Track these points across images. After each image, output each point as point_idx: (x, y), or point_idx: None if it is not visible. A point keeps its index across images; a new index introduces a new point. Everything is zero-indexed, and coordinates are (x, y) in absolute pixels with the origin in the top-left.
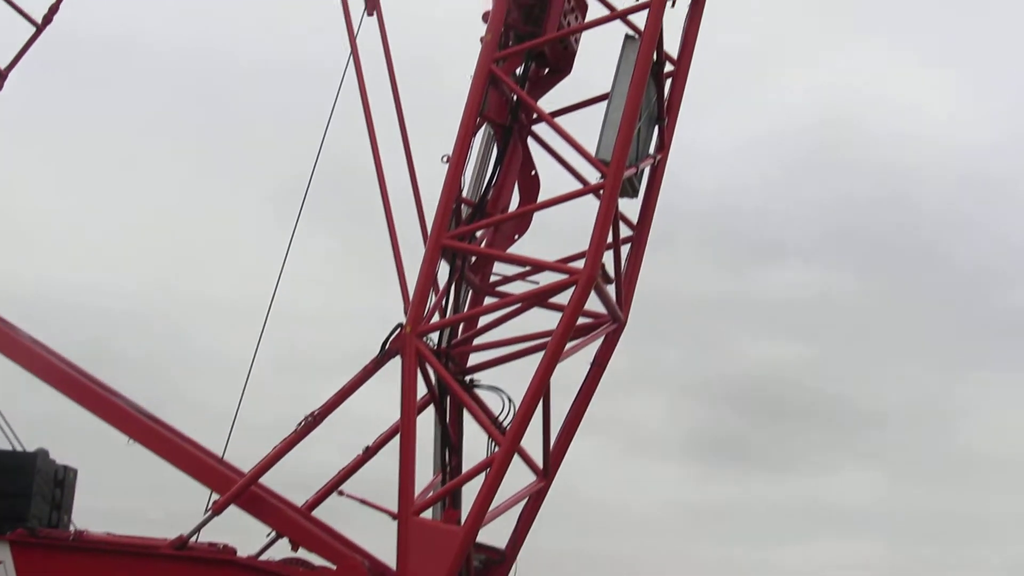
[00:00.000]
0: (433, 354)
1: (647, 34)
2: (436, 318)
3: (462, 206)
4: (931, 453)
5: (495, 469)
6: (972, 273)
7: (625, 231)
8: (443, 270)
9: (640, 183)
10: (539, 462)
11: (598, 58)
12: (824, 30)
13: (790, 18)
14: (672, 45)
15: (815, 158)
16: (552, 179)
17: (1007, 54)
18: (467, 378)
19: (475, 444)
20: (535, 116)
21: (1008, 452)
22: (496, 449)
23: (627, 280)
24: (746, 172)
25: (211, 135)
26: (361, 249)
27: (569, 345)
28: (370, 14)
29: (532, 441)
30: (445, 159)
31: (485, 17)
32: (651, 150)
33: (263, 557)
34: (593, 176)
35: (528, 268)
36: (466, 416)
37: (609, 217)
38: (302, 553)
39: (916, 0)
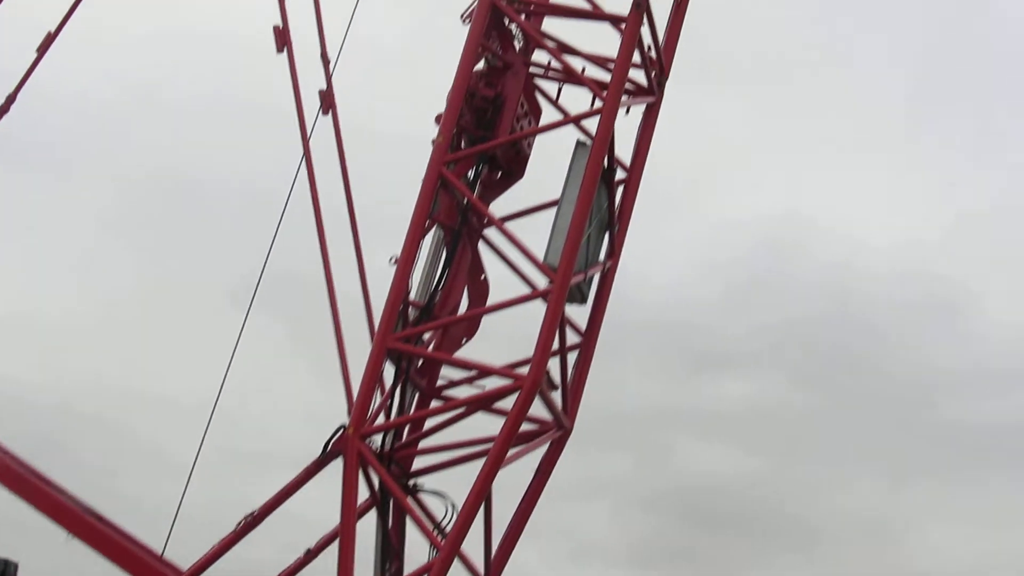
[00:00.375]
0: (376, 457)
1: (597, 140)
2: (381, 420)
3: (410, 308)
4: (873, 566)
5: (434, 574)
6: (915, 386)
7: (573, 337)
8: (391, 372)
9: (589, 290)
10: (482, 568)
11: (555, 162)
12: (773, 148)
13: (740, 134)
14: (627, 152)
15: (761, 272)
16: (504, 283)
17: (955, 185)
18: (411, 482)
19: (419, 548)
20: (486, 219)
21: (950, 568)
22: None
23: (574, 387)
24: (694, 283)
25: (165, 229)
26: (309, 347)
27: (514, 451)
28: (325, 113)
29: (476, 547)
30: (393, 260)
31: (438, 119)
32: (601, 257)
33: None
34: (544, 281)
35: (474, 372)
36: (409, 520)
37: (555, 323)
38: None
39: (862, 124)
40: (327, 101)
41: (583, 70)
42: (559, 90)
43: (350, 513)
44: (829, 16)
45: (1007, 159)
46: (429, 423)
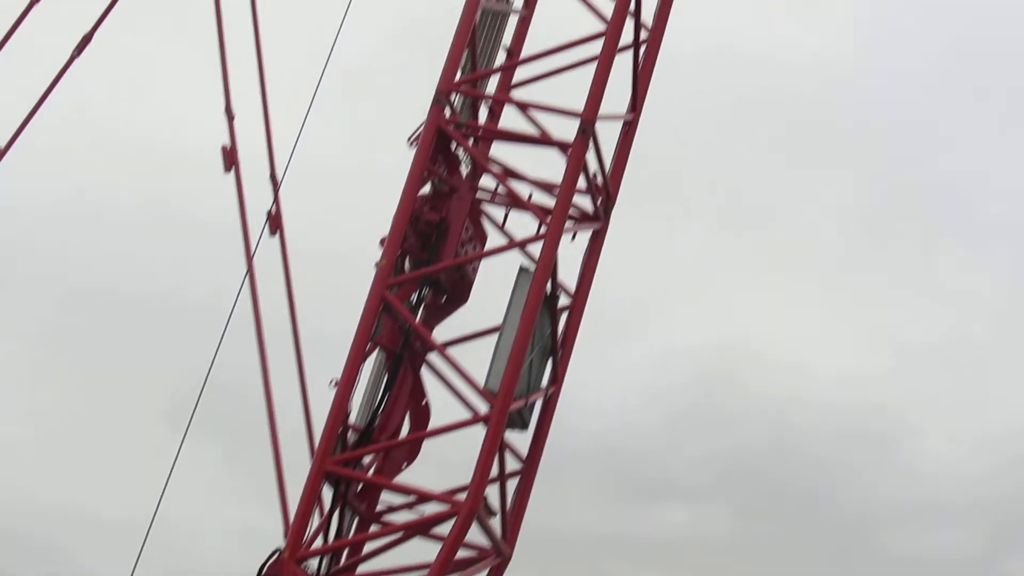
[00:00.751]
0: None
1: (539, 267)
2: (319, 543)
3: (349, 431)
4: None
5: None
6: (860, 519)
7: (514, 463)
8: (330, 495)
9: (531, 416)
10: None
11: (502, 287)
12: (716, 278)
13: (686, 262)
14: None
15: (704, 400)
16: (449, 407)
17: (895, 316)
18: None
19: None
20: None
21: None
22: None
23: (513, 513)
24: (636, 410)
25: (101, 345)
26: (247, 467)
27: None
28: (272, 234)
29: None
30: (333, 383)
31: (382, 242)
32: (543, 383)
33: None
34: (486, 407)
35: (413, 497)
36: None
37: (493, 448)
38: None
39: (809, 255)
40: (274, 223)
41: (530, 195)
42: (505, 215)
43: None
44: (778, 147)
45: (949, 293)
46: (367, 548)
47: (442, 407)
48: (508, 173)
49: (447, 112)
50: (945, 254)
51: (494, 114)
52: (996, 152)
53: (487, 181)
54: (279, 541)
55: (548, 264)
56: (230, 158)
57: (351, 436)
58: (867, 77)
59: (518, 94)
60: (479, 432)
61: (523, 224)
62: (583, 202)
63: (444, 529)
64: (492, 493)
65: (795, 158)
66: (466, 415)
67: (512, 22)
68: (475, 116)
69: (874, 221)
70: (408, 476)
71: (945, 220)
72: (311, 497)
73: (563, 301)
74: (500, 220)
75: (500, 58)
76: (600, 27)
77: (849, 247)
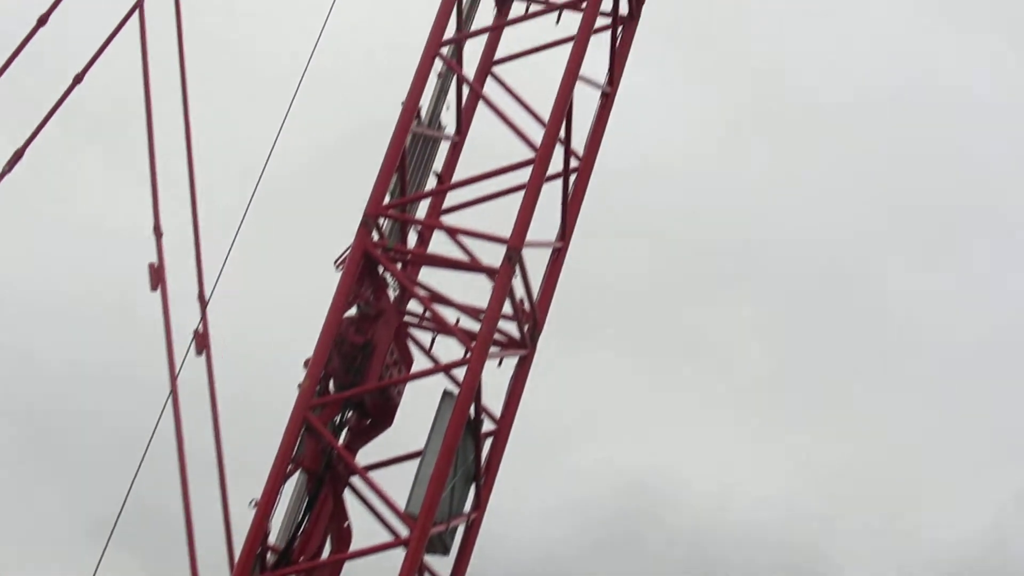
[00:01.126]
0: None
1: (463, 390)
2: None
3: (269, 552)
4: None
5: None
6: None
7: None
8: None
9: (452, 541)
10: None
11: (429, 411)
12: (633, 401)
13: (609, 386)
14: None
15: (627, 523)
16: (371, 529)
17: (816, 441)
18: None
19: None
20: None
21: None
22: None
23: None
24: (557, 533)
25: (20, 467)
26: None
27: None
28: (198, 354)
29: None
30: (253, 503)
31: (306, 364)
32: (466, 508)
33: None
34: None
35: None
36: None
37: (412, 572)
38: None
39: (736, 379)
40: (201, 342)
41: (457, 320)
42: (432, 339)
43: None
44: (697, 271)
45: (866, 416)
46: None
47: (364, 529)
48: (435, 298)
49: (375, 235)
50: (862, 375)
51: (423, 238)
52: (916, 271)
53: (414, 305)
54: None
55: (471, 389)
56: (157, 276)
57: (270, 557)
58: (784, 200)
59: (448, 219)
60: (400, 555)
61: (450, 348)
62: (510, 328)
63: None
64: None
65: (711, 282)
66: (388, 538)
67: (443, 147)
68: (404, 240)
69: (794, 347)
70: None
71: (860, 347)
72: None
73: (489, 426)
74: (427, 344)
75: (431, 182)
76: (531, 154)
77: (773, 370)
